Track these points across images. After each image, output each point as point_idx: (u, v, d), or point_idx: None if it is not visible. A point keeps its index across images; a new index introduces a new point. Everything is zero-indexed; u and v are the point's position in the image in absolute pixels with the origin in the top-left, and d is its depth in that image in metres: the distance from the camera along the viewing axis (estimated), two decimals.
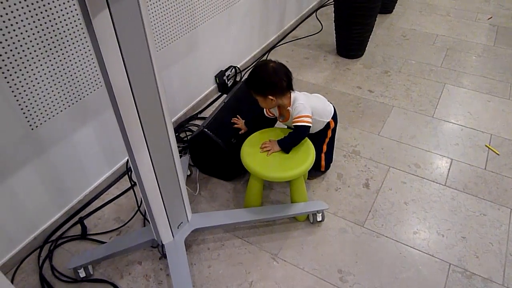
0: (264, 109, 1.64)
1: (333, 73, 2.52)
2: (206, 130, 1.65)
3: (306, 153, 1.50)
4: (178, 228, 1.42)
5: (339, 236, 1.56)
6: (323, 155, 1.73)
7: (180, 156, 1.86)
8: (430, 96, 2.31)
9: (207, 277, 1.44)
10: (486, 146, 1.96)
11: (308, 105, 1.50)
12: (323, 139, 1.70)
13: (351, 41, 2.54)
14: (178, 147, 1.96)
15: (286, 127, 1.69)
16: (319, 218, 1.58)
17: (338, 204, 1.69)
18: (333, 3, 2.52)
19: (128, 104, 1.03)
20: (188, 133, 2.06)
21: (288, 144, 1.51)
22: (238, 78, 2.44)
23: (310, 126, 1.50)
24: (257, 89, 1.49)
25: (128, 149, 1.13)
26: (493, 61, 2.62)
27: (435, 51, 2.73)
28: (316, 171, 1.78)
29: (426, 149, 1.94)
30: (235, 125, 1.72)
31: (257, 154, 1.50)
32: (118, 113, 1.04)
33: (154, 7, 1.67)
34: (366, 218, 1.63)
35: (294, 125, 1.52)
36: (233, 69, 2.39)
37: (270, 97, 1.47)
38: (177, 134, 2.03)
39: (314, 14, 3.24)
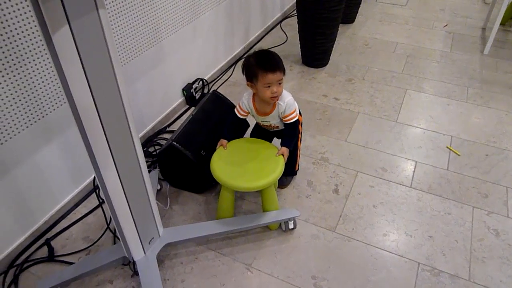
0: (237, 110, 1.63)
1: (299, 82, 2.57)
2: (175, 143, 1.64)
3: (276, 162, 1.52)
4: (149, 244, 1.40)
5: (311, 242, 1.58)
6: (298, 152, 1.78)
7: (149, 171, 1.84)
8: (393, 101, 2.39)
9: None
10: (447, 147, 2.04)
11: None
12: (298, 135, 1.69)
13: (315, 51, 2.60)
14: (147, 161, 1.94)
15: (261, 123, 1.68)
16: (291, 226, 1.60)
17: (309, 211, 1.71)
18: (296, 14, 2.58)
19: (93, 121, 1.02)
20: (156, 147, 2.04)
21: (293, 143, 1.62)
22: (205, 90, 2.45)
23: None
24: (283, 69, 1.49)
25: (95, 166, 1.11)
26: (450, 66, 2.75)
27: (396, 59, 2.84)
28: (288, 176, 1.81)
29: (392, 153, 2.01)
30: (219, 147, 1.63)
31: (227, 165, 1.51)
32: (83, 130, 1.03)
33: (118, 22, 1.66)
34: (337, 223, 1.66)
35: (291, 122, 1.56)
36: (200, 82, 2.40)
37: None
38: (145, 148, 2.01)
39: (279, 25, 3.31)
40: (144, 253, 1.40)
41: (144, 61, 1.90)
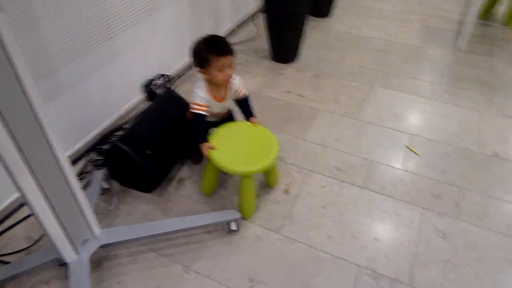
0: (199, 110, 1.55)
1: (266, 78, 2.53)
2: (118, 143, 1.62)
3: (267, 137, 1.62)
4: (83, 245, 1.39)
5: (253, 244, 1.56)
6: None
7: (99, 169, 1.82)
8: (358, 98, 2.35)
9: None
10: (406, 146, 2.01)
11: None
12: None
13: (282, 46, 2.56)
14: (99, 159, 1.91)
15: (215, 111, 1.69)
16: (233, 227, 1.58)
17: (256, 211, 1.69)
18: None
19: None
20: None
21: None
22: (170, 86, 2.41)
23: None
24: (233, 51, 1.52)
25: (9, 173, 1.09)
26: (422, 62, 2.70)
27: (367, 54, 2.79)
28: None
29: (348, 152, 1.98)
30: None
31: (228, 155, 1.53)
32: None
33: (59, 16, 1.62)
34: (282, 224, 1.64)
35: (243, 97, 1.69)
36: (162, 77, 2.36)
37: None
38: (99, 146, 1.98)
39: (251, 19, 3.25)
40: (79, 254, 1.38)
41: (95, 57, 1.86)
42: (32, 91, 1.03)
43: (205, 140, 1.57)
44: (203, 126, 1.61)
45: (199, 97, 1.56)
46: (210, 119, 1.70)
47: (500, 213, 1.68)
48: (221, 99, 1.63)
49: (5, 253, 1.55)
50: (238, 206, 1.66)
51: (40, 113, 1.07)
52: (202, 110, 1.57)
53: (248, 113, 1.72)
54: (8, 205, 1.67)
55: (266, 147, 1.56)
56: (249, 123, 1.69)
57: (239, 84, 1.65)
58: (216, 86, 1.58)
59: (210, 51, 1.48)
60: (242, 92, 1.68)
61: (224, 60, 1.48)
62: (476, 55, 2.78)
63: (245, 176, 1.54)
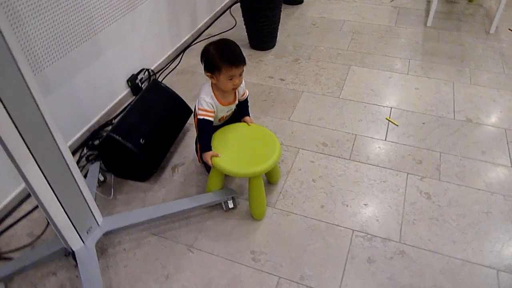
0: (206, 116, 1.51)
1: (247, 66, 2.58)
2: (112, 134, 1.66)
3: (268, 137, 1.59)
4: (87, 233, 1.43)
5: (251, 219, 1.64)
6: None
7: (92, 163, 1.86)
8: (337, 78, 2.44)
9: (124, 277, 1.46)
10: (386, 119, 2.12)
11: None
12: None
13: (260, 34, 2.63)
14: (92, 154, 1.95)
15: (224, 115, 1.65)
16: (231, 205, 1.64)
17: None
18: None
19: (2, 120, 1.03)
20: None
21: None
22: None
23: None
24: (245, 59, 1.48)
25: (15, 165, 1.12)
26: (394, 40, 2.82)
27: (342, 36, 2.89)
28: None
29: (333, 128, 2.07)
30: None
31: (231, 158, 1.50)
32: None
33: (43, 17, 1.65)
34: (277, 199, 1.72)
35: (244, 99, 1.68)
36: (146, 72, 2.41)
37: None
38: (91, 142, 2.02)
39: (229, 10, 3.31)
40: (83, 242, 1.43)
41: (80, 55, 1.89)
42: (32, 82, 1.07)
43: (209, 148, 1.53)
44: (209, 133, 1.56)
45: (206, 103, 1.50)
46: (215, 123, 1.65)
47: (476, 171, 1.81)
48: (228, 104, 1.59)
49: (8, 250, 1.58)
50: (250, 209, 1.64)
51: (41, 104, 1.12)
52: (209, 116, 1.51)
53: (243, 113, 1.69)
54: (7, 204, 1.69)
55: (268, 145, 1.54)
56: (244, 123, 1.65)
57: (244, 87, 1.63)
58: (223, 91, 1.53)
59: (222, 59, 1.42)
60: (245, 94, 1.67)
61: (236, 70, 1.44)
62: (445, 30, 2.91)
63: (253, 177, 1.52)
